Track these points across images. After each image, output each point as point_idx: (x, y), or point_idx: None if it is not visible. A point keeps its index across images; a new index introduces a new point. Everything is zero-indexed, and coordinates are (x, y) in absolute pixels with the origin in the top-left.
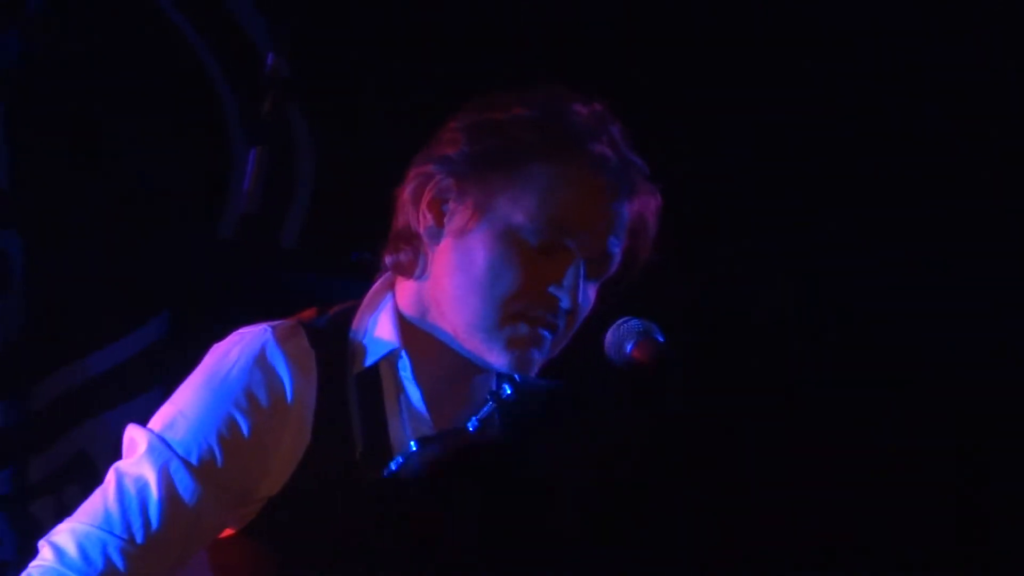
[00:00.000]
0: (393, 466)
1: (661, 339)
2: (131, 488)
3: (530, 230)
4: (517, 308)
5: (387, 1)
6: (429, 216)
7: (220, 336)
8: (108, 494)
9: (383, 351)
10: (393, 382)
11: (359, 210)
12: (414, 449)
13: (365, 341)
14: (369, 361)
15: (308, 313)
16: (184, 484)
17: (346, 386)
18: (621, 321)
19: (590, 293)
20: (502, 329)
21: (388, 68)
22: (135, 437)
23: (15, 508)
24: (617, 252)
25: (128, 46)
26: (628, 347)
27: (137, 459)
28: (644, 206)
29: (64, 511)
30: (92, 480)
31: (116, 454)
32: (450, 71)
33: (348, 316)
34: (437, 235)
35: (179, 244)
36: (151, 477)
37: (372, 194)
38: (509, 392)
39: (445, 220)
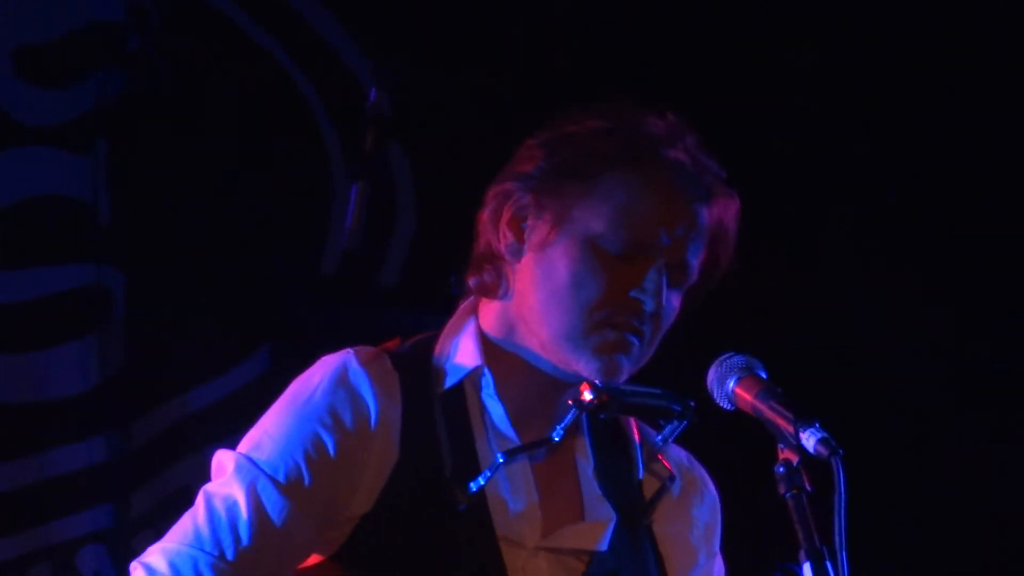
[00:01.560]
0: (482, 480)
1: (764, 375)
2: (220, 507)
3: (609, 237)
4: (602, 316)
5: (488, 39)
6: (509, 234)
7: None
8: (198, 514)
9: (466, 370)
10: (477, 401)
11: (459, 248)
12: (501, 461)
13: (448, 363)
14: (452, 381)
15: (391, 343)
16: (272, 501)
17: (431, 406)
18: (724, 357)
19: (674, 301)
20: (588, 337)
21: (489, 104)
22: (223, 460)
23: (117, 542)
24: (697, 256)
25: (230, 84)
26: (730, 383)
27: (225, 479)
28: (723, 211)
29: None
30: None
31: None
32: (550, 108)
33: (431, 342)
34: (518, 252)
35: (280, 280)
36: (240, 495)
37: (472, 231)
38: (591, 398)
39: (525, 236)
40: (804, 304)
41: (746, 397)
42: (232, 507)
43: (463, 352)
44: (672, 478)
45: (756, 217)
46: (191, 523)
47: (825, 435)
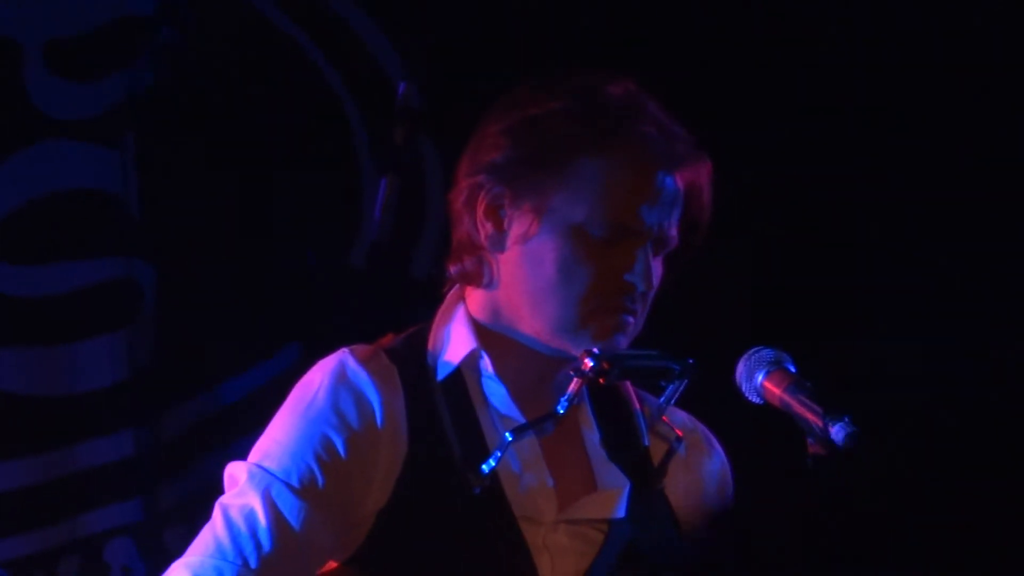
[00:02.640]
0: (493, 461)
1: (793, 369)
2: (238, 517)
3: (592, 224)
4: (595, 304)
5: (518, 29)
6: (488, 225)
7: None
8: (216, 526)
9: (462, 355)
10: (477, 384)
11: None
12: (510, 439)
13: (443, 351)
14: (450, 367)
15: (384, 339)
16: (289, 506)
17: (433, 395)
18: (753, 351)
19: (658, 270)
20: (586, 327)
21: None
22: (234, 472)
23: (146, 536)
24: (677, 225)
25: (259, 76)
26: (759, 377)
27: (239, 489)
28: (696, 174)
29: None
30: None
31: None
32: None
33: (423, 333)
34: (500, 242)
35: (310, 273)
36: (256, 503)
37: None
38: (592, 365)
39: (505, 226)
40: (834, 298)
41: (775, 391)
42: (250, 515)
43: (457, 339)
44: (679, 439)
45: (781, 212)
46: (211, 536)
47: (855, 429)
